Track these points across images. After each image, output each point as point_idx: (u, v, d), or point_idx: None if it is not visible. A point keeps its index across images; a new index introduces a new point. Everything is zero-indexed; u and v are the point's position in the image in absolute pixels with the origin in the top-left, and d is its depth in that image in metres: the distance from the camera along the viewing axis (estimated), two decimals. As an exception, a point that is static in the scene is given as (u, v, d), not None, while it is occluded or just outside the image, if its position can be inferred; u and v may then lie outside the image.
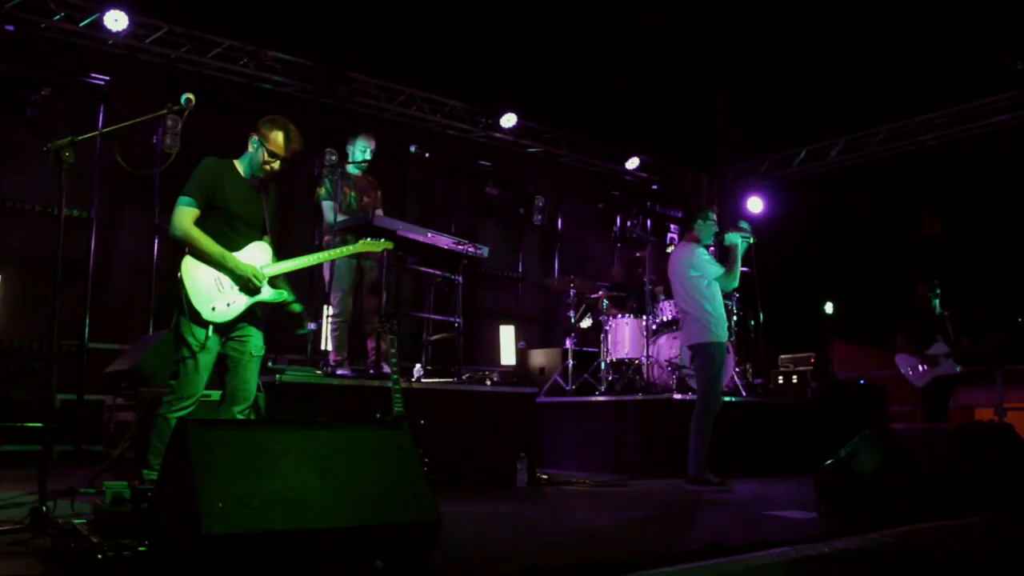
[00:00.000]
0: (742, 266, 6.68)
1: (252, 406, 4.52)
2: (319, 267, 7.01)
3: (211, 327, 4.30)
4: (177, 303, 4.33)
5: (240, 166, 4.56)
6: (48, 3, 8.05)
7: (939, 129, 10.89)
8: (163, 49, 8.74)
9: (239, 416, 4.39)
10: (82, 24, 8.23)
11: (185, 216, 4.31)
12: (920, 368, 8.41)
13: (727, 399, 8.20)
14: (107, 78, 8.25)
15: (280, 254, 4.61)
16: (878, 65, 10.54)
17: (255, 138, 4.50)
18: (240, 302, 4.38)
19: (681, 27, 11.49)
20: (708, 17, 12.17)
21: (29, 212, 7.94)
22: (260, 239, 4.54)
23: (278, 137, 4.47)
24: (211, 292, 4.32)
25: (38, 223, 7.90)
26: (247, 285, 4.38)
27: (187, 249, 4.33)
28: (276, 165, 4.51)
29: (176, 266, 4.36)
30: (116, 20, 8.10)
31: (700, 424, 6.29)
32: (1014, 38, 9.81)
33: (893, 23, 10.25)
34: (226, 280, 4.36)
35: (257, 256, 4.48)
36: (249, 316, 4.45)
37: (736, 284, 6.62)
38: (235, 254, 4.39)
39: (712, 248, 6.89)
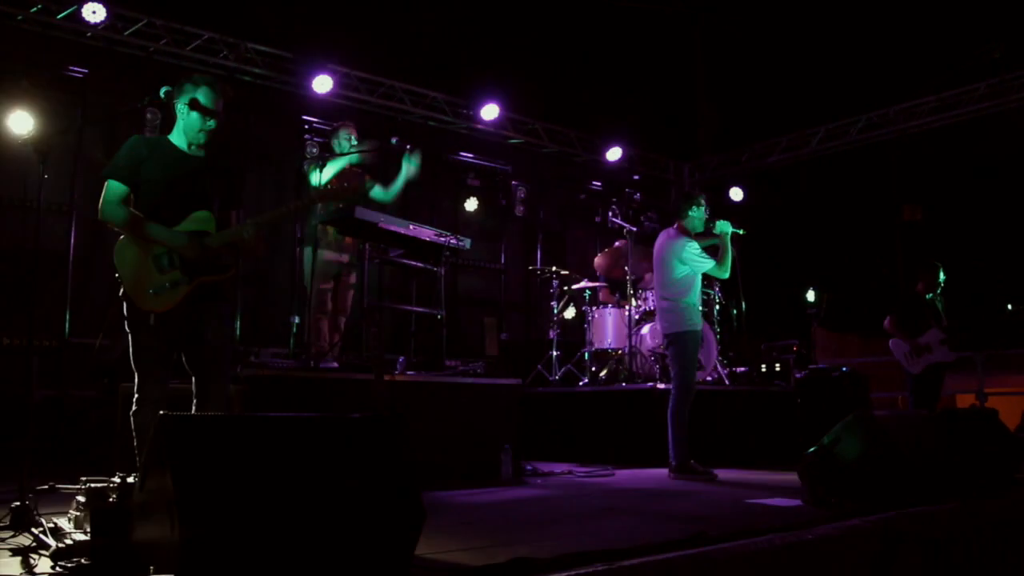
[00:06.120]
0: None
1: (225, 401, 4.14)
2: (299, 260, 6.97)
3: (152, 315, 3.96)
4: (116, 292, 4.03)
5: (175, 139, 4.19)
6: (25, -5, 7.96)
7: (919, 117, 10.95)
8: (142, 42, 8.65)
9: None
10: (60, 16, 8.12)
11: (107, 196, 4.02)
12: (914, 354, 8.18)
13: (711, 388, 8.26)
14: (85, 71, 8.16)
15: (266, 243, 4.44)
16: (858, 54, 10.59)
17: (181, 105, 4.14)
18: (184, 281, 4.01)
19: (662, 18, 11.50)
20: (689, 8, 12.19)
21: (7, 205, 7.86)
22: (201, 211, 4.14)
23: (205, 94, 4.15)
24: (150, 273, 4.00)
25: (16, 216, 7.82)
26: (188, 256, 4.02)
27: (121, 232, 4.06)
28: (212, 123, 4.14)
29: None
30: (94, 12, 8.02)
31: (677, 413, 6.32)
32: (992, 26, 9.87)
33: (872, 12, 10.29)
34: (168, 258, 4.02)
35: (198, 228, 4.11)
36: (206, 297, 4.09)
37: (728, 274, 6.57)
38: (176, 228, 4.04)
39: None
